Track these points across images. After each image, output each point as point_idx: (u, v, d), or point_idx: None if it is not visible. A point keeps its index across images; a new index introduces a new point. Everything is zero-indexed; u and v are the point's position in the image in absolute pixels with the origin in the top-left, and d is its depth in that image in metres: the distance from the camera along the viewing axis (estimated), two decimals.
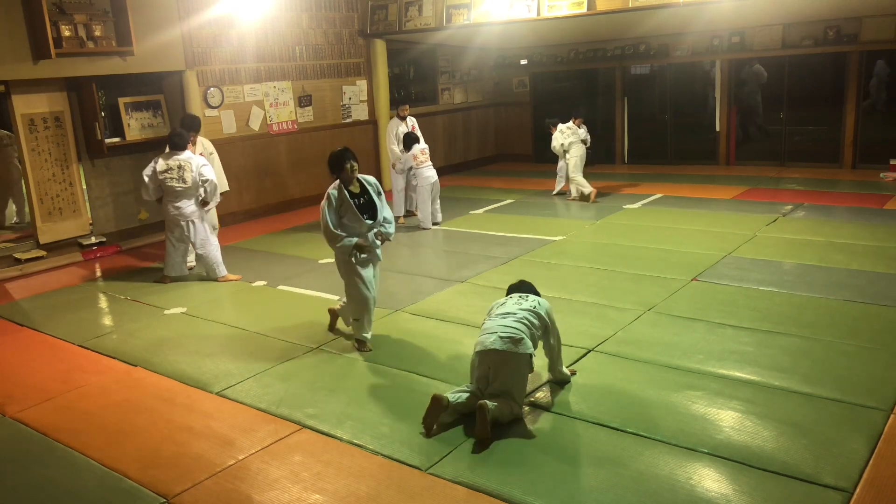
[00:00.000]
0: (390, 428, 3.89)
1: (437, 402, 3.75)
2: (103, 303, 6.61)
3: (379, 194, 5.00)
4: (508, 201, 10.06)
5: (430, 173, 8.66)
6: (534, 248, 7.47)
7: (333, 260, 7.45)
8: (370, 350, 5.01)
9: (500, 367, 3.81)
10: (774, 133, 11.71)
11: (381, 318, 5.65)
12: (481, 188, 11.36)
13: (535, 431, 3.80)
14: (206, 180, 6.68)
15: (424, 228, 8.65)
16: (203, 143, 7.29)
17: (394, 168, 9.10)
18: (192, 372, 4.82)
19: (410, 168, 8.74)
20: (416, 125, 9.34)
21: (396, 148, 8.96)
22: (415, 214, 9.10)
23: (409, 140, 8.77)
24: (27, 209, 8.65)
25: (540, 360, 4.60)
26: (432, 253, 7.63)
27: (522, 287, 4.29)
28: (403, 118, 9.15)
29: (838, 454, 3.41)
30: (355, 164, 4.88)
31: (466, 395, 3.87)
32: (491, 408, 3.70)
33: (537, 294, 4.25)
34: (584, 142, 9.83)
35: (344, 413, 4.10)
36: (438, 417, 3.77)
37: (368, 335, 5.06)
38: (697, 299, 5.63)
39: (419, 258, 7.62)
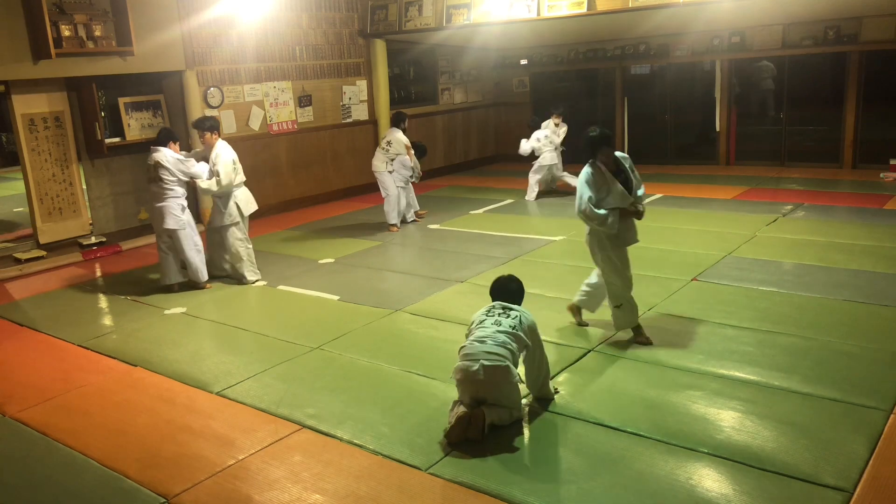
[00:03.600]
0: (390, 428, 3.90)
1: (460, 421, 3.67)
2: (103, 303, 6.61)
3: (632, 170, 4.79)
4: (508, 201, 10.06)
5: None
6: (534, 248, 7.47)
7: (333, 260, 7.54)
8: (649, 342, 4.78)
9: (488, 392, 3.77)
10: (774, 133, 11.71)
11: (381, 318, 5.65)
12: (481, 188, 11.36)
13: (534, 431, 3.80)
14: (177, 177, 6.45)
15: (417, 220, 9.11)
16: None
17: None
18: (192, 372, 4.82)
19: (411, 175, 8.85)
20: None
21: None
22: (410, 222, 9.16)
23: (424, 149, 8.96)
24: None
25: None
26: (432, 253, 7.63)
27: (507, 290, 4.11)
28: (405, 130, 9.01)
29: (838, 454, 3.41)
30: (610, 150, 4.69)
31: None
32: (487, 413, 3.69)
33: (521, 296, 4.11)
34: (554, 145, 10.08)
35: (344, 413, 4.10)
36: (464, 434, 3.67)
37: (635, 323, 4.87)
38: (697, 299, 5.63)
39: (419, 258, 7.62)
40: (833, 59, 10.88)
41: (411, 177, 8.93)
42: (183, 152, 6.81)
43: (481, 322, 3.94)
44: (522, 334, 3.85)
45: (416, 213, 9.24)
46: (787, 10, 9.96)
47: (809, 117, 11.42)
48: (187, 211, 6.62)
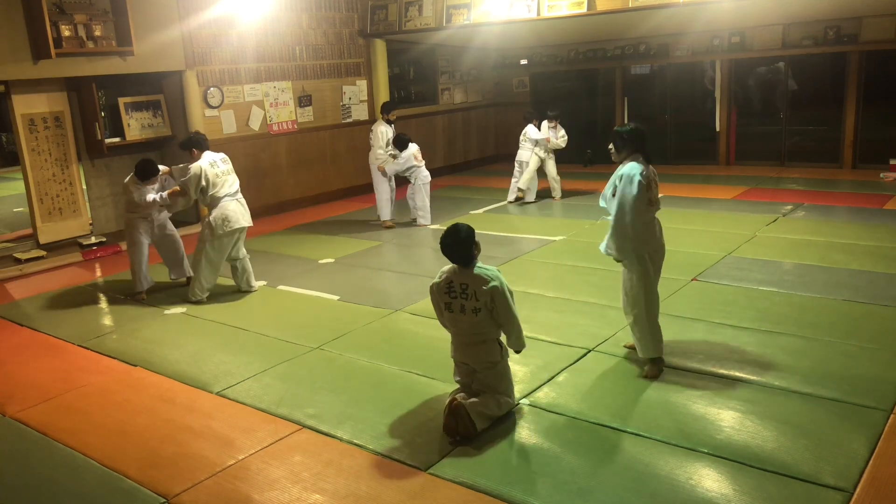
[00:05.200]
0: (390, 428, 3.89)
1: (446, 411, 3.71)
2: (103, 303, 6.61)
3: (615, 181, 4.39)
4: (508, 201, 10.05)
5: (426, 172, 8.84)
6: (534, 248, 7.47)
7: (333, 260, 7.54)
8: (656, 373, 4.34)
9: (475, 372, 3.89)
10: (774, 133, 11.71)
11: (381, 318, 5.65)
12: (481, 188, 11.36)
13: (534, 431, 3.80)
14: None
15: (425, 225, 8.76)
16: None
17: (383, 171, 8.77)
18: (192, 372, 4.82)
19: (408, 169, 8.71)
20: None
21: (387, 151, 8.75)
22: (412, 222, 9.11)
23: (405, 140, 8.71)
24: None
25: (540, 359, 4.61)
26: (432, 253, 7.63)
27: (452, 252, 3.77)
28: (392, 122, 8.96)
29: (838, 454, 3.41)
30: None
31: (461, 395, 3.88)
32: (467, 405, 3.72)
33: (468, 246, 3.72)
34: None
35: (344, 413, 4.10)
36: (456, 427, 3.68)
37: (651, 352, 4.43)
38: (697, 299, 5.62)
39: (418, 258, 7.62)
40: (833, 59, 10.88)
41: (409, 174, 8.76)
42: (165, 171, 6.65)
43: (447, 305, 3.84)
44: (489, 311, 3.76)
45: (415, 218, 8.97)
46: (787, 10, 9.96)
47: (809, 117, 11.42)
48: (141, 229, 6.51)
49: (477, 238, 3.82)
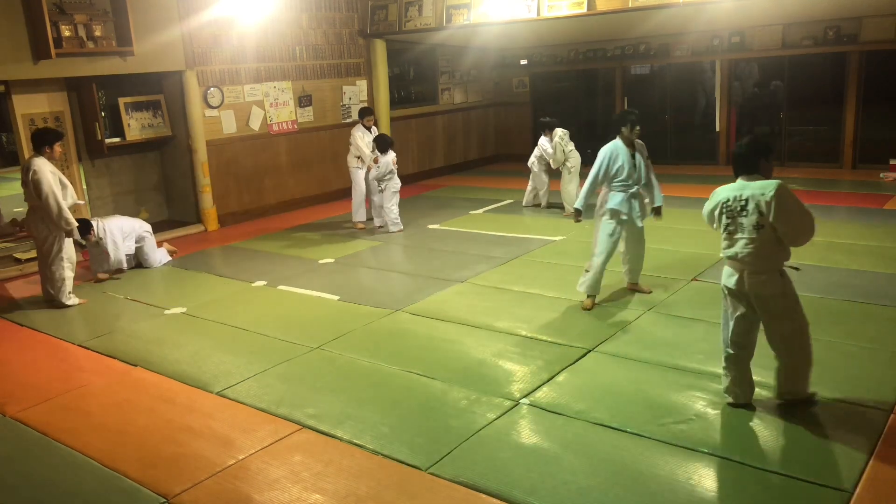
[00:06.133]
0: (390, 428, 3.90)
1: None
2: (103, 303, 6.60)
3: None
4: (508, 201, 10.05)
5: (398, 180, 8.63)
6: (534, 248, 7.47)
7: (333, 260, 7.55)
8: (589, 306, 5.53)
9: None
10: (774, 133, 11.71)
11: (381, 318, 5.65)
12: (481, 188, 11.36)
13: (535, 431, 3.80)
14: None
15: (398, 231, 8.58)
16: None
17: (369, 169, 8.72)
18: (192, 372, 4.82)
19: (385, 175, 8.56)
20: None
21: (369, 153, 8.71)
22: (379, 227, 8.87)
23: (390, 142, 8.63)
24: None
25: (540, 359, 4.60)
26: (432, 253, 7.63)
27: (744, 164, 3.68)
28: (370, 128, 8.94)
29: (838, 454, 3.41)
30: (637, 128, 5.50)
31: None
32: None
33: (752, 158, 3.63)
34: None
35: (344, 413, 4.10)
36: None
37: (583, 290, 5.61)
38: (697, 299, 5.62)
39: (419, 258, 7.62)
40: (833, 59, 10.88)
41: (380, 177, 8.60)
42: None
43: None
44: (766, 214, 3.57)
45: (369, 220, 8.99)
46: (787, 10, 9.96)
47: (809, 117, 11.42)
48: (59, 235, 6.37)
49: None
